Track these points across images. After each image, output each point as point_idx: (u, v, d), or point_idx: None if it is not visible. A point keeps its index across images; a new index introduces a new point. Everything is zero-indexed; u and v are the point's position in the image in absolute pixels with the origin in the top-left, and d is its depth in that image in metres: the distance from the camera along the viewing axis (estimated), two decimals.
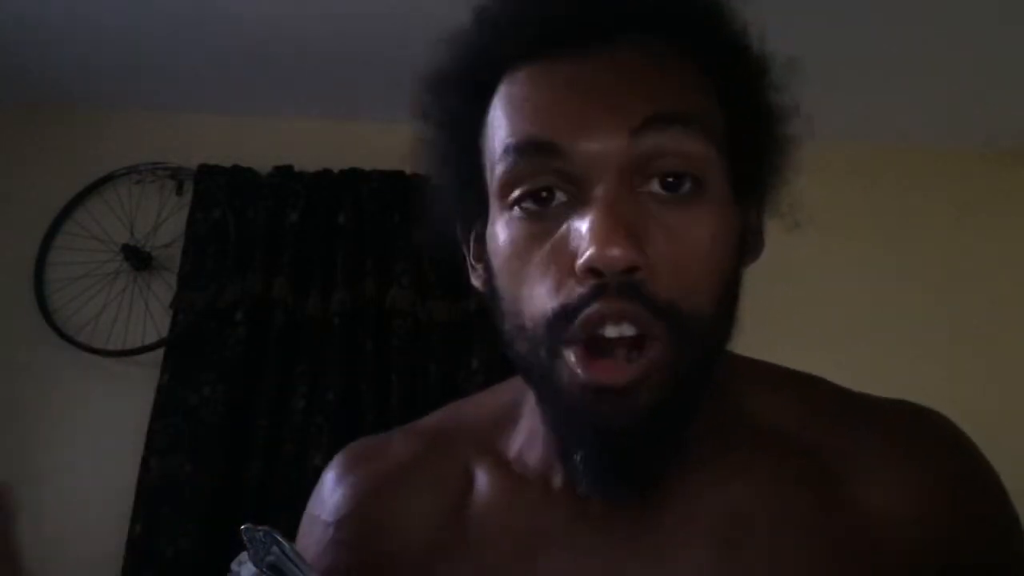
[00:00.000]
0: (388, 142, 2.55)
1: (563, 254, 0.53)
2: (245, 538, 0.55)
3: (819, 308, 2.33)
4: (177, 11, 2.09)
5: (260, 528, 0.55)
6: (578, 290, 0.52)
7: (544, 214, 0.54)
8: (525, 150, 0.54)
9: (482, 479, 0.64)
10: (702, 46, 0.57)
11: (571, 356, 0.53)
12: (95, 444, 2.27)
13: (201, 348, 2.27)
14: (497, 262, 0.58)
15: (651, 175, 0.53)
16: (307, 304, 2.29)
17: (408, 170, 2.41)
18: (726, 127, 0.57)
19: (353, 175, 2.41)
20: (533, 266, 0.54)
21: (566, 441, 0.57)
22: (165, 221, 2.44)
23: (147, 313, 2.37)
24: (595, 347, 0.53)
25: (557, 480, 0.62)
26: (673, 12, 0.56)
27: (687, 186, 0.54)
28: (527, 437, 0.65)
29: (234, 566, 0.57)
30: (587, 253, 0.51)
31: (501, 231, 0.57)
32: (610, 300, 0.52)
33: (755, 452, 0.60)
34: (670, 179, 0.53)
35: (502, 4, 0.59)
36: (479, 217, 0.61)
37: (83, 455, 2.25)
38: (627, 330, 0.52)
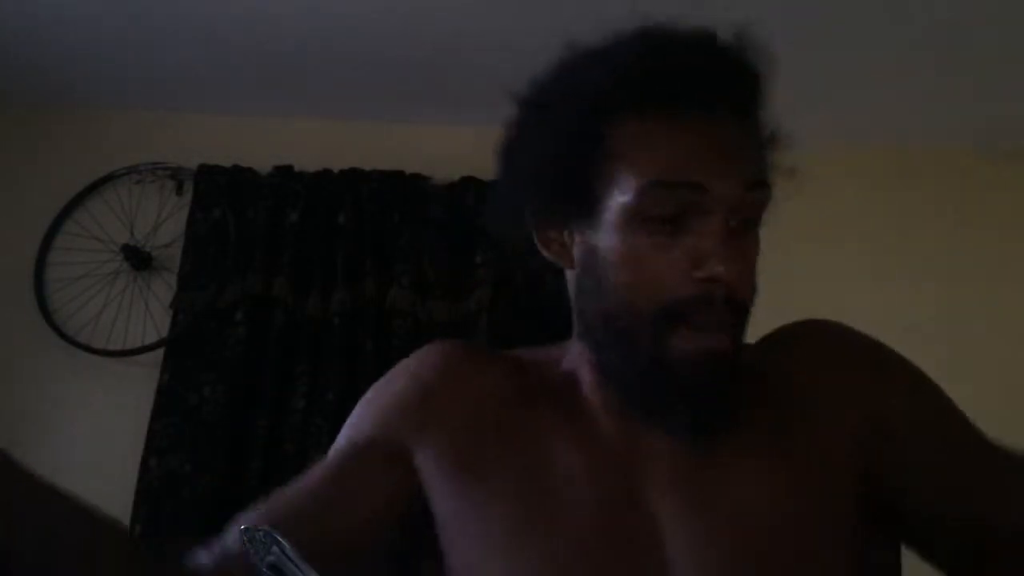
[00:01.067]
0: (388, 142, 2.57)
1: (682, 260, 0.70)
2: (245, 538, 0.55)
3: (817, 309, 2.32)
4: (177, 11, 2.09)
5: (260, 528, 0.55)
6: (692, 291, 0.69)
7: (673, 228, 0.70)
8: (677, 186, 0.69)
9: (538, 394, 0.80)
10: (762, 123, 0.75)
11: (684, 332, 0.70)
12: (95, 444, 2.27)
13: (201, 348, 2.27)
14: (612, 256, 0.72)
15: (744, 215, 0.71)
16: (307, 304, 2.29)
17: (408, 170, 2.41)
18: None
19: (353, 175, 2.41)
20: (659, 265, 0.70)
21: (650, 401, 0.73)
22: (165, 221, 2.44)
23: (147, 313, 2.37)
24: (698, 331, 0.71)
25: (598, 401, 0.78)
26: (753, 94, 0.74)
27: (752, 225, 0.73)
28: (577, 373, 0.81)
29: None
30: (716, 269, 0.68)
31: (624, 236, 0.71)
32: (718, 310, 0.69)
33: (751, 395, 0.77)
34: (749, 220, 0.72)
35: (629, 49, 0.72)
36: (583, 215, 0.74)
37: (83, 455, 2.25)
38: (725, 335, 0.71)
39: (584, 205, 0.73)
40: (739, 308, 0.71)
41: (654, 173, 0.70)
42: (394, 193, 2.38)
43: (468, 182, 2.39)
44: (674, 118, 0.70)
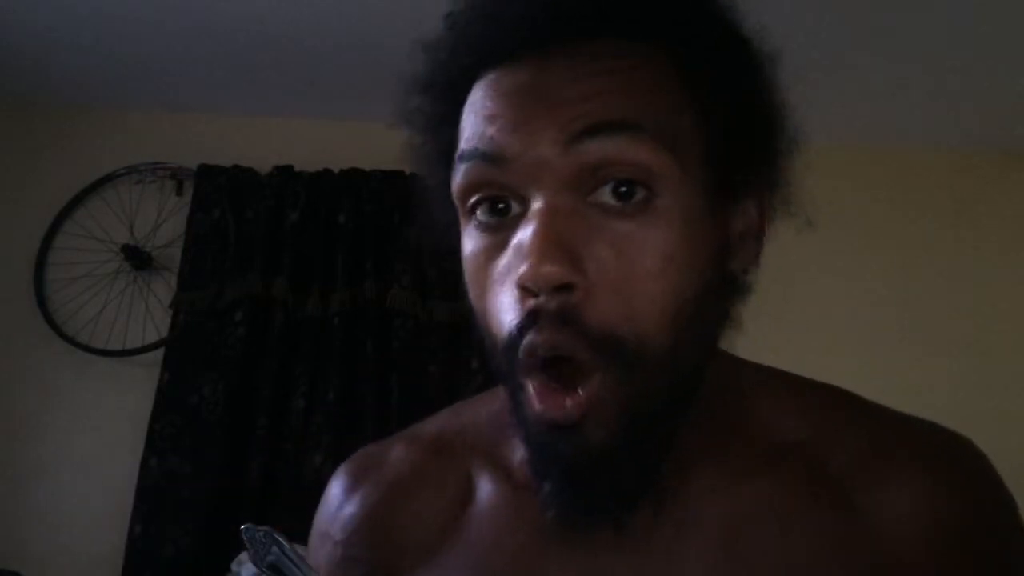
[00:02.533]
0: (388, 142, 2.53)
1: (512, 271, 0.51)
2: (245, 538, 0.55)
3: (818, 310, 2.33)
4: (177, 12, 2.09)
5: (260, 528, 0.55)
6: (520, 315, 0.50)
7: (500, 226, 0.52)
8: (472, 158, 0.52)
9: (483, 488, 0.63)
10: (676, 45, 0.53)
11: (530, 387, 0.51)
12: (95, 444, 2.27)
13: (201, 348, 2.27)
14: (466, 275, 0.55)
15: (600, 183, 0.50)
16: (307, 304, 2.29)
17: (408, 170, 2.41)
18: (708, 130, 0.53)
19: (353, 175, 2.41)
20: (491, 282, 0.52)
21: (535, 470, 0.55)
22: (165, 221, 2.44)
23: (147, 313, 2.37)
24: (554, 376, 0.50)
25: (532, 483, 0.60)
26: (642, 12, 0.53)
27: (639, 195, 0.50)
28: (523, 448, 0.62)
29: (234, 566, 0.57)
30: (520, 270, 0.48)
31: (467, 242, 0.55)
32: (541, 330, 0.49)
33: (755, 457, 0.58)
34: (622, 188, 0.50)
35: (471, 10, 0.57)
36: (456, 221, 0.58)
37: (83, 455, 2.25)
38: (563, 366, 0.50)
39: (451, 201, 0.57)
40: (597, 341, 0.49)
41: (459, 146, 0.54)
42: (394, 193, 2.38)
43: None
44: (501, 73, 0.53)
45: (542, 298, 0.49)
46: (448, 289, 2.30)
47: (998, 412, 2.15)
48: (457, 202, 0.55)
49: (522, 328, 0.50)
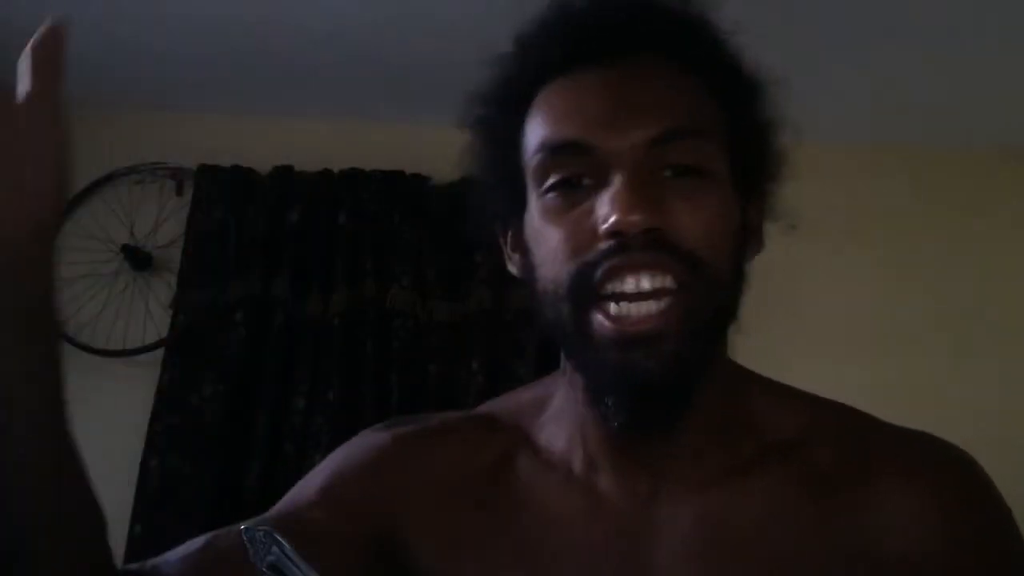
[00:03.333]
0: (388, 142, 2.57)
1: (586, 222, 0.61)
2: (245, 538, 0.55)
3: (814, 310, 2.33)
4: (177, 12, 2.09)
5: (260, 528, 0.55)
6: (599, 247, 0.60)
7: (574, 193, 0.62)
8: (560, 147, 0.63)
9: (515, 460, 0.71)
10: (706, 66, 0.66)
11: (598, 312, 0.60)
12: (95, 444, 2.25)
13: (201, 348, 2.27)
14: (532, 236, 0.65)
15: (665, 166, 0.61)
16: (307, 304, 2.29)
17: (408, 170, 2.41)
18: (728, 133, 0.65)
19: (353, 175, 2.40)
20: (560, 231, 0.62)
21: (596, 388, 0.63)
22: (165, 221, 2.44)
23: (147, 313, 2.37)
24: (621, 301, 0.60)
25: (577, 465, 0.69)
26: (682, 37, 0.66)
27: (696, 174, 0.62)
28: (555, 425, 0.71)
29: None
30: (611, 218, 0.58)
31: (536, 211, 0.64)
32: (632, 253, 0.59)
33: (760, 457, 0.66)
34: (685, 169, 0.62)
35: (538, 28, 0.67)
36: (517, 211, 0.68)
37: (83, 455, 2.25)
38: (647, 283, 0.59)
39: (517, 202, 0.67)
40: (683, 255, 0.60)
41: (547, 138, 0.64)
42: (394, 193, 2.38)
43: (468, 182, 2.39)
44: (571, 77, 0.65)
45: (628, 238, 0.59)
46: (448, 289, 2.30)
47: (999, 412, 2.15)
48: (533, 183, 0.65)
49: (605, 254, 0.60)
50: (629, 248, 0.59)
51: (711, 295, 0.61)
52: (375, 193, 2.38)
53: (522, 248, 0.68)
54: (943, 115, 2.39)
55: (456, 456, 0.72)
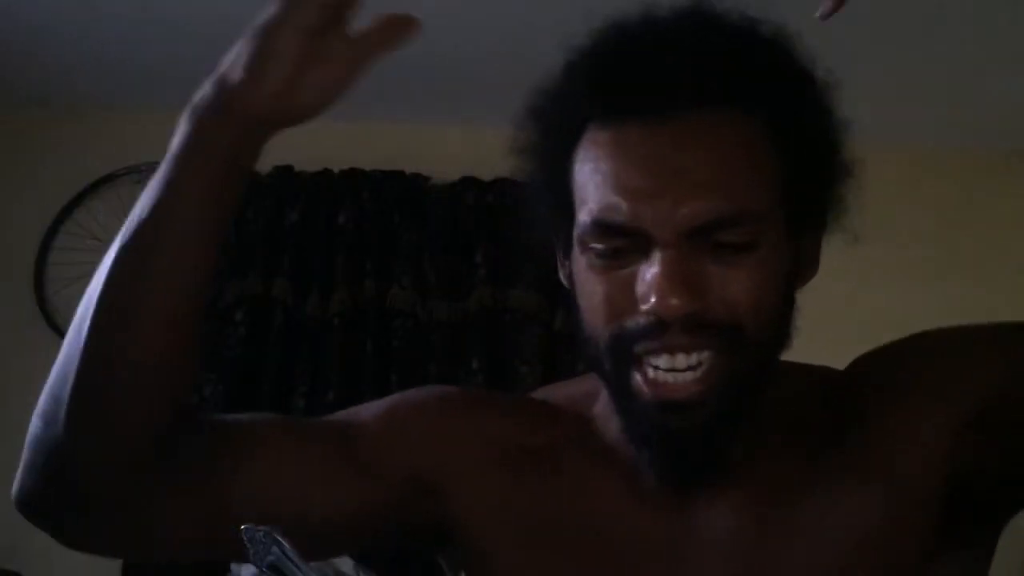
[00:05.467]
0: (388, 142, 2.56)
1: (627, 289, 0.61)
2: (245, 538, 0.55)
3: (819, 309, 2.32)
4: (177, 12, 2.09)
5: (260, 528, 0.55)
6: (638, 321, 0.60)
7: (617, 257, 0.62)
8: (602, 225, 0.61)
9: (568, 446, 0.71)
10: (773, 116, 0.63)
11: (636, 373, 0.61)
12: None
13: (201, 348, 2.27)
14: (577, 280, 0.66)
15: (712, 242, 0.60)
16: (307, 304, 2.29)
17: (408, 170, 2.41)
18: (786, 177, 0.63)
19: (353, 175, 2.41)
20: (601, 289, 0.62)
21: (635, 437, 0.65)
22: None
23: None
24: (656, 370, 0.61)
25: (625, 460, 0.69)
26: (750, 89, 0.62)
27: (745, 249, 0.61)
28: (605, 420, 0.71)
29: (234, 566, 0.58)
30: (650, 301, 0.59)
31: (580, 259, 0.65)
32: (671, 336, 0.59)
33: (785, 435, 0.68)
34: (729, 246, 0.61)
35: (590, 59, 0.65)
36: (567, 234, 0.67)
37: None
38: (683, 361, 0.60)
39: (566, 226, 0.66)
40: (715, 327, 0.60)
41: (592, 211, 0.62)
42: (394, 193, 2.38)
43: (468, 182, 2.39)
44: (619, 129, 0.62)
45: (668, 322, 0.59)
46: (448, 289, 2.31)
47: None
48: (578, 235, 0.64)
49: (643, 331, 0.60)
50: (667, 329, 0.59)
51: (752, 357, 0.62)
52: (375, 193, 2.38)
53: (569, 276, 0.68)
54: (944, 115, 2.39)
55: (514, 428, 0.73)
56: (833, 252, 0.73)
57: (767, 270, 0.62)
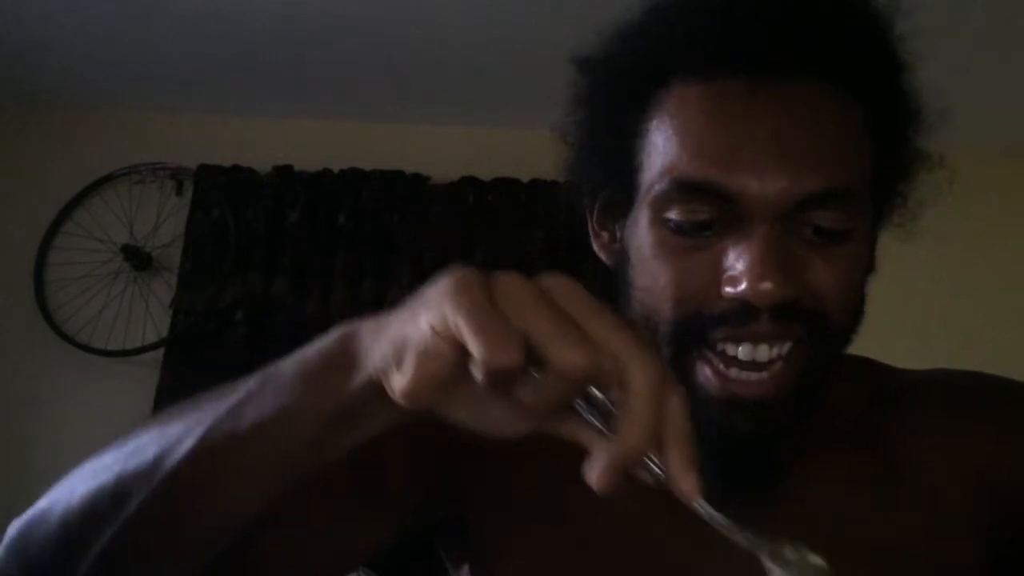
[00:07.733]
0: (389, 142, 2.57)
1: (707, 269, 0.55)
2: None
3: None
4: (177, 12, 2.09)
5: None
6: (720, 304, 0.55)
7: (698, 235, 0.56)
8: (691, 187, 0.55)
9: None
10: (874, 100, 0.59)
11: (704, 364, 0.56)
12: (95, 444, 2.25)
13: (201, 348, 2.27)
14: (637, 255, 0.59)
15: (807, 223, 0.55)
16: (307, 304, 2.29)
17: (408, 170, 2.41)
18: (875, 165, 0.59)
19: (353, 175, 2.41)
20: (672, 271, 0.56)
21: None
22: (165, 221, 2.44)
23: (147, 313, 2.37)
24: (732, 367, 0.56)
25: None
26: (851, 61, 0.57)
27: (842, 236, 0.56)
28: None
29: None
30: (742, 285, 0.53)
31: (649, 232, 0.58)
32: (759, 323, 0.54)
33: (830, 441, 0.63)
34: (826, 232, 0.56)
35: (693, 6, 0.58)
36: (623, 209, 0.62)
37: (82, 455, 2.24)
38: (765, 354, 0.55)
39: (623, 191, 0.60)
40: (803, 315, 0.55)
41: (678, 169, 0.55)
42: (394, 193, 2.38)
43: (468, 182, 2.39)
44: (714, 85, 0.56)
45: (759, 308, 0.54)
46: None
47: None
48: (651, 207, 0.57)
49: (728, 318, 0.54)
50: (756, 316, 0.54)
51: (828, 353, 0.58)
52: (375, 193, 2.38)
53: (622, 256, 0.62)
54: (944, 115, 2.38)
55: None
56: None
57: (857, 262, 0.58)
